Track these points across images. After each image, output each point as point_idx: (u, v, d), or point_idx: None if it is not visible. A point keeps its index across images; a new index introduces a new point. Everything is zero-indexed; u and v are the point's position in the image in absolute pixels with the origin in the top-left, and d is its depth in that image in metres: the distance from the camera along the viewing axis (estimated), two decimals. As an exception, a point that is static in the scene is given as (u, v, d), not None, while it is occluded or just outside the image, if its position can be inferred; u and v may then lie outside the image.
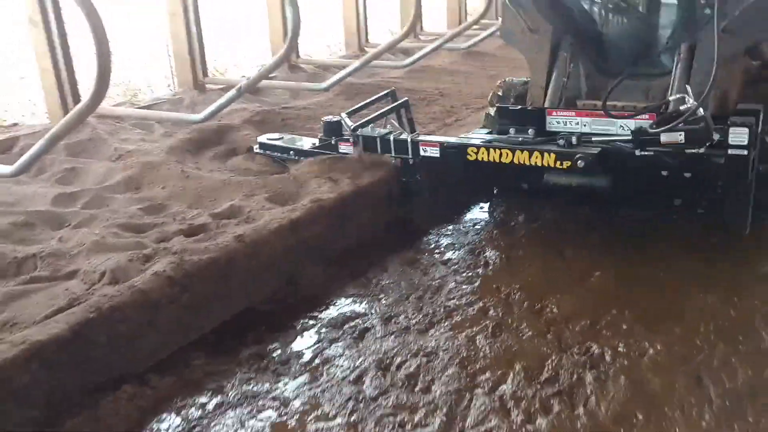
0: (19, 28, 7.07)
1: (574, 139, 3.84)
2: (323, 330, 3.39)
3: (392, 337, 3.30)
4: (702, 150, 3.61)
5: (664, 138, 3.63)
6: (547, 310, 3.47)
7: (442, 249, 4.27)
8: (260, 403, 2.87)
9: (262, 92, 6.95)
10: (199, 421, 2.79)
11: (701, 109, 3.51)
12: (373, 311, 3.54)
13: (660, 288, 3.62)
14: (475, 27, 8.40)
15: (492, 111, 4.75)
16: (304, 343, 3.29)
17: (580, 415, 2.71)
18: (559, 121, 4.08)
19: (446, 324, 3.40)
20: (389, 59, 7.92)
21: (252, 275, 3.58)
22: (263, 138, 5.04)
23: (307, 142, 4.89)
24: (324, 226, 4.03)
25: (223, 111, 5.68)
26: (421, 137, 4.42)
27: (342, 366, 3.09)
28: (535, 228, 4.47)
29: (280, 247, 3.73)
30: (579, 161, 3.73)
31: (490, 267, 4.01)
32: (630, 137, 3.76)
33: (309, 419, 2.76)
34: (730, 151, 3.54)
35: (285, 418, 2.78)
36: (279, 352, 3.22)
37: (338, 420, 2.74)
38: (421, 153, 4.30)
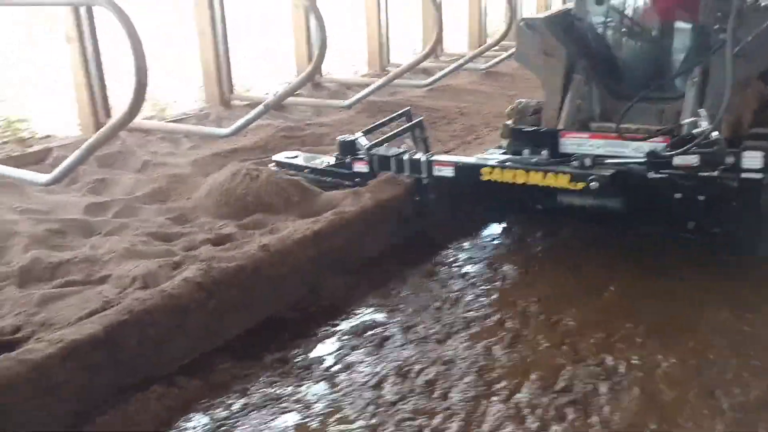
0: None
1: (587, 161, 3.90)
2: (344, 337, 3.50)
3: (411, 345, 3.40)
4: (716, 173, 3.67)
5: (678, 161, 3.72)
6: (562, 323, 3.55)
7: (460, 263, 4.36)
8: (283, 405, 2.98)
9: (286, 109, 7.13)
10: (225, 421, 2.90)
11: (716, 132, 3.59)
12: (392, 320, 3.64)
13: (674, 303, 3.69)
14: (495, 48, 8.54)
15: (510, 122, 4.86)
16: (326, 349, 3.40)
17: (593, 424, 2.79)
18: (573, 143, 4.14)
19: (464, 334, 3.49)
20: (410, 79, 8.07)
21: (276, 283, 3.69)
22: (280, 156, 5.10)
23: (323, 161, 4.93)
24: (345, 237, 4.15)
25: (249, 126, 5.84)
26: (435, 157, 4.48)
27: (362, 372, 3.19)
28: (551, 244, 4.55)
29: (303, 257, 3.85)
30: (592, 183, 3.80)
31: (507, 281, 4.09)
32: (643, 160, 3.82)
33: (330, 421, 2.86)
34: (743, 175, 3.60)
35: (307, 420, 2.88)
36: (302, 357, 3.32)
37: (359, 423, 2.84)
38: (435, 173, 4.36)
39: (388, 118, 5.10)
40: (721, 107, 3.65)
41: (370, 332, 3.54)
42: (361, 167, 4.65)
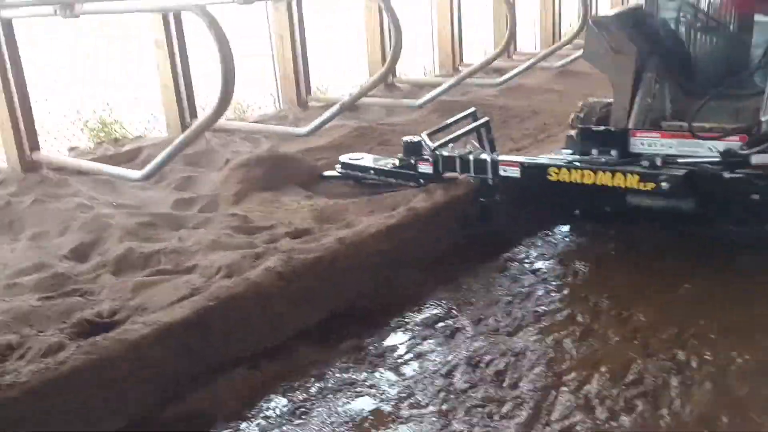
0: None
1: (658, 161, 3.84)
2: (416, 328, 3.62)
3: (482, 337, 3.49)
4: None
5: (756, 160, 3.63)
6: (634, 319, 3.56)
7: (531, 259, 4.40)
8: (358, 389, 3.12)
9: (359, 109, 7.30)
10: (303, 403, 3.06)
11: None
12: (463, 313, 3.73)
13: (749, 302, 3.63)
14: (568, 47, 8.48)
15: (573, 133, 4.73)
16: (399, 338, 3.53)
17: (663, 415, 2.81)
18: (643, 143, 4.10)
19: (534, 328, 3.55)
20: (483, 78, 8.11)
21: (351, 275, 3.85)
22: (345, 158, 5.18)
23: (387, 162, 4.98)
24: (418, 232, 4.26)
25: (325, 126, 6.03)
26: (501, 157, 4.47)
27: (434, 361, 3.30)
28: (623, 242, 4.52)
29: (377, 251, 4.00)
30: (663, 183, 3.75)
31: (578, 277, 4.11)
32: (718, 159, 3.75)
33: (403, 406, 2.98)
34: None
35: (381, 404, 3.01)
36: (375, 345, 3.46)
37: (430, 408, 2.95)
38: (501, 173, 4.37)
39: (453, 118, 5.11)
40: None
41: (441, 324, 3.65)
42: (425, 168, 4.69)
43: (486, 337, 3.48)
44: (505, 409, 2.91)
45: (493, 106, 7.57)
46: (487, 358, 3.29)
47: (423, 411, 2.94)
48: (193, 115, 6.08)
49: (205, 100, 6.57)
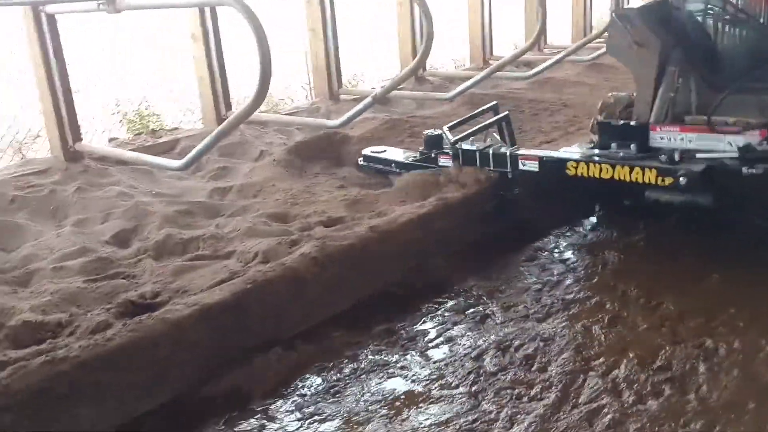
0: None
1: (676, 156, 3.84)
2: (447, 314, 3.70)
3: (511, 323, 3.56)
4: None
5: None
6: (662, 307, 3.60)
7: (561, 249, 4.46)
8: (390, 371, 3.22)
9: (390, 102, 7.38)
10: (337, 382, 3.17)
11: None
12: (493, 300, 3.80)
13: (780, 292, 3.65)
14: (599, 40, 8.45)
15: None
16: (430, 323, 3.62)
17: (690, 400, 2.86)
18: (663, 137, 4.08)
19: (563, 314, 3.61)
20: (513, 71, 8.14)
21: (383, 261, 3.94)
22: (368, 150, 5.25)
23: (408, 155, 5.03)
24: (449, 222, 4.34)
25: (356, 119, 6.13)
26: (521, 151, 4.49)
27: (464, 345, 3.39)
28: (652, 232, 4.54)
29: (409, 238, 4.08)
30: (681, 178, 3.74)
31: (608, 266, 4.15)
32: (737, 154, 3.73)
33: (434, 387, 3.07)
34: None
35: (412, 385, 3.10)
36: (407, 329, 3.55)
37: (460, 389, 3.04)
38: (520, 167, 4.40)
39: (474, 112, 5.14)
40: None
41: (471, 310, 3.73)
42: (446, 161, 4.74)
43: (515, 323, 3.55)
44: (533, 391, 2.98)
45: (523, 99, 7.61)
46: (517, 342, 3.36)
47: (453, 392, 3.02)
48: (228, 107, 6.22)
49: (237, 93, 6.73)
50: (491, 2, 9.06)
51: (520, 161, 4.42)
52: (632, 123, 4.34)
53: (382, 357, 3.32)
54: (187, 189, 5.13)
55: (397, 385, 3.11)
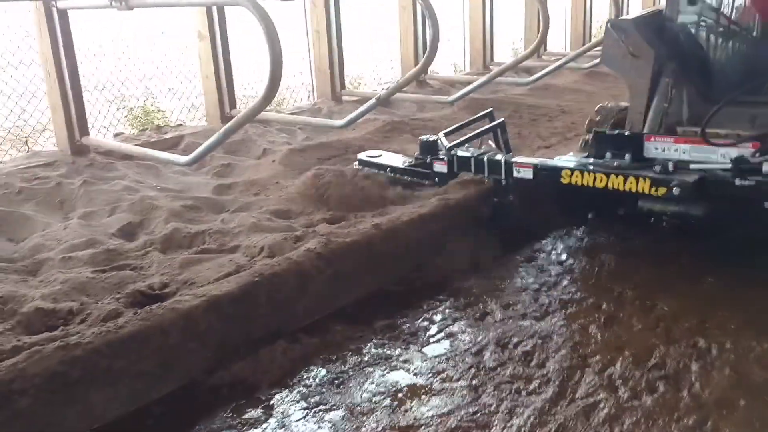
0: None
1: (670, 166, 3.86)
2: (447, 310, 3.79)
3: (510, 320, 3.65)
4: None
5: None
6: (657, 308, 3.70)
7: (559, 251, 4.55)
8: (393, 364, 3.30)
9: (392, 104, 7.50)
10: (341, 374, 3.25)
11: None
12: (492, 298, 3.89)
13: (773, 296, 3.76)
14: (597, 48, 8.58)
15: (589, 137, 4.72)
16: (431, 319, 3.71)
17: (683, 397, 2.95)
18: (657, 147, 4.09)
19: (560, 314, 3.71)
20: (512, 77, 8.26)
21: (385, 259, 4.03)
22: (363, 155, 5.25)
23: (404, 161, 5.05)
24: (449, 222, 4.43)
25: (359, 120, 6.23)
26: (515, 158, 4.49)
27: (464, 340, 3.48)
28: (649, 237, 4.64)
29: (410, 237, 4.17)
30: (675, 188, 3.75)
31: (604, 269, 4.25)
32: (730, 166, 3.75)
33: (436, 380, 3.15)
34: None
35: (415, 377, 3.19)
36: (408, 325, 3.64)
37: (461, 383, 3.12)
38: (515, 174, 4.40)
39: (469, 119, 5.16)
40: None
41: (470, 308, 3.82)
42: (441, 167, 4.75)
43: (514, 321, 3.64)
44: (532, 385, 3.07)
45: (523, 104, 7.74)
46: (515, 339, 3.45)
47: (454, 385, 3.11)
48: (233, 105, 6.31)
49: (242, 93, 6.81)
50: (492, 8, 9.18)
51: (514, 168, 4.42)
52: (626, 133, 4.37)
53: (385, 351, 3.41)
54: (191, 185, 5.21)
55: (400, 377, 3.20)
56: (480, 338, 3.49)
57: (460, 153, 4.72)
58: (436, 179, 4.79)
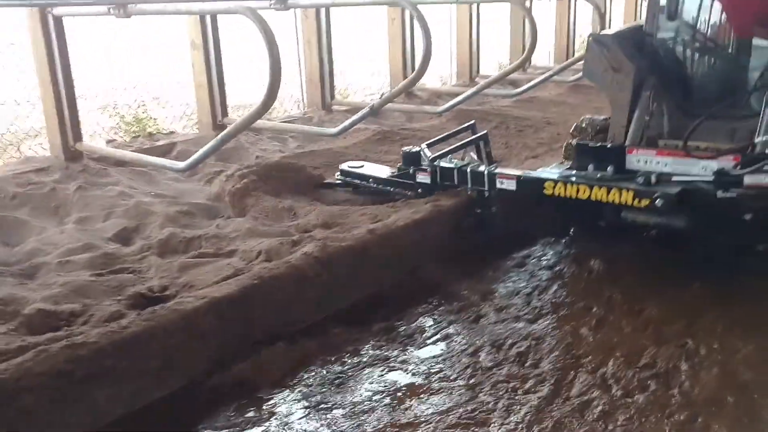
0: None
1: (653, 178, 3.91)
2: (442, 314, 3.87)
3: (504, 323, 3.73)
4: None
5: (749, 180, 3.69)
6: (646, 311, 3.79)
7: (549, 257, 4.65)
8: (391, 364, 3.37)
9: (381, 114, 7.58)
10: (339, 374, 3.31)
11: None
12: (486, 301, 3.98)
13: (757, 300, 3.85)
14: (581, 62, 8.74)
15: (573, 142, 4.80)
16: (426, 322, 3.78)
17: (674, 395, 3.05)
18: (639, 160, 4.15)
19: (553, 316, 3.80)
20: (498, 89, 8.39)
21: (381, 263, 4.10)
22: (345, 166, 5.23)
23: (386, 171, 5.06)
24: (443, 227, 4.51)
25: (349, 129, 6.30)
26: (498, 170, 4.50)
27: (460, 342, 3.55)
28: (638, 243, 4.73)
29: (405, 242, 4.25)
30: (658, 200, 3.80)
31: (594, 273, 4.34)
32: (711, 178, 3.83)
33: (433, 380, 3.22)
34: None
35: (413, 377, 3.26)
36: (405, 327, 3.71)
37: (459, 382, 3.20)
38: (498, 185, 4.41)
39: (453, 131, 5.20)
40: None
41: (465, 311, 3.89)
42: (424, 178, 4.75)
43: (508, 323, 3.73)
44: (528, 385, 3.15)
45: (509, 116, 7.88)
46: (510, 341, 3.53)
47: (452, 384, 3.18)
48: (225, 113, 6.36)
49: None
50: (479, 22, 9.34)
51: (497, 180, 4.43)
52: (609, 145, 4.42)
53: (383, 352, 3.47)
54: (185, 191, 5.25)
55: (399, 377, 3.26)
56: (475, 339, 3.57)
57: (443, 164, 4.73)
58: (419, 190, 4.79)
